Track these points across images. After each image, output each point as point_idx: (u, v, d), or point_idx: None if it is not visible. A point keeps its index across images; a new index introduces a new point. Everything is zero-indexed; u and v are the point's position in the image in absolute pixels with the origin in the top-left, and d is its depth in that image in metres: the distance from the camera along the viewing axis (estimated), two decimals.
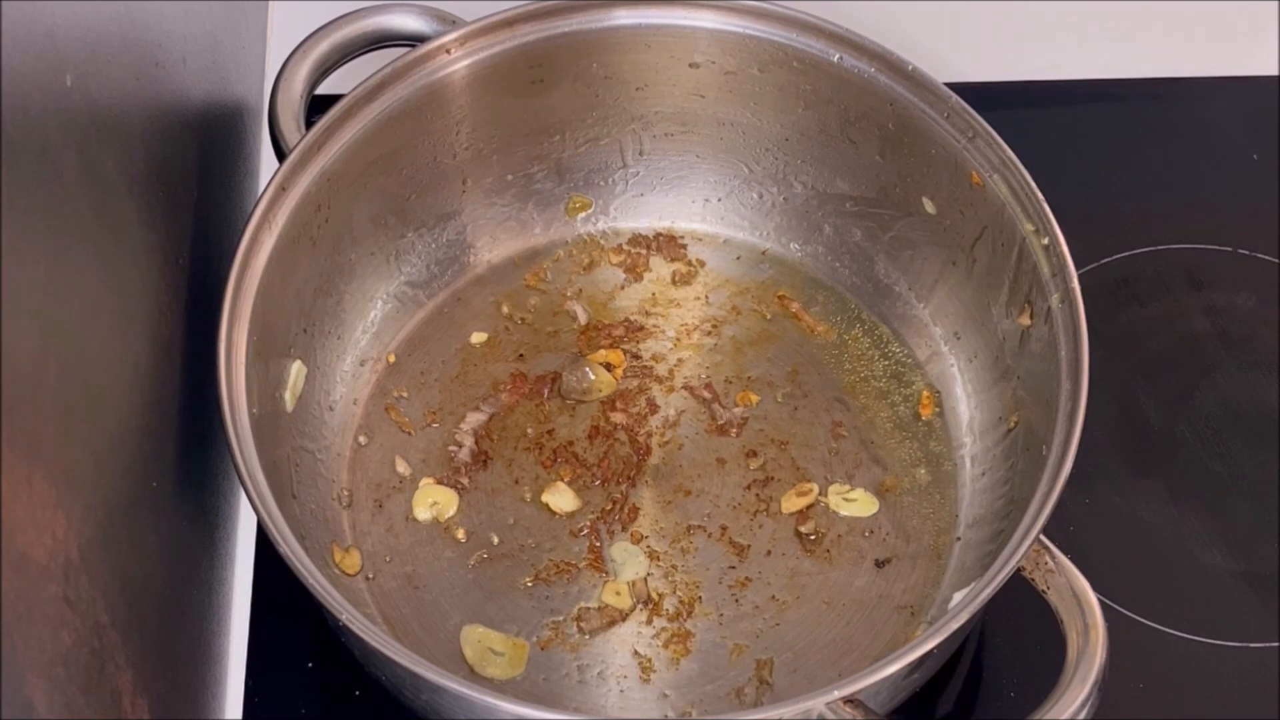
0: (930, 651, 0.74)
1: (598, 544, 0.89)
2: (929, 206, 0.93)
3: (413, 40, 0.91)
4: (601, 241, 1.00)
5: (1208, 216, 1.04)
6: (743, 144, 0.98)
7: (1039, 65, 1.10)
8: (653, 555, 0.89)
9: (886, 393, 0.94)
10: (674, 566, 0.89)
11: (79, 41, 0.68)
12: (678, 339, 0.96)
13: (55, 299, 0.64)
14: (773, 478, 0.91)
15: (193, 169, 0.89)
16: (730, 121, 0.97)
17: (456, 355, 0.96)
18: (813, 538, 0.89)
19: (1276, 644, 0.89)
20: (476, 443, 0.92)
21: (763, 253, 0.99)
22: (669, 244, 1.00)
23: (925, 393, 0.94)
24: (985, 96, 0.91)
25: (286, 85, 0.89)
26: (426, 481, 0.91)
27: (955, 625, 0.74)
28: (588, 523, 0.90)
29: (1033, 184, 0.85)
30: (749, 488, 0.91)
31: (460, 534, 0.89)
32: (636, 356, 0.96)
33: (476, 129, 0.95)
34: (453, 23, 0.91)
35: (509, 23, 0.92)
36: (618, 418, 0.93)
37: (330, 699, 0.87)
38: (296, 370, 0.89)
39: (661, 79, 0.96)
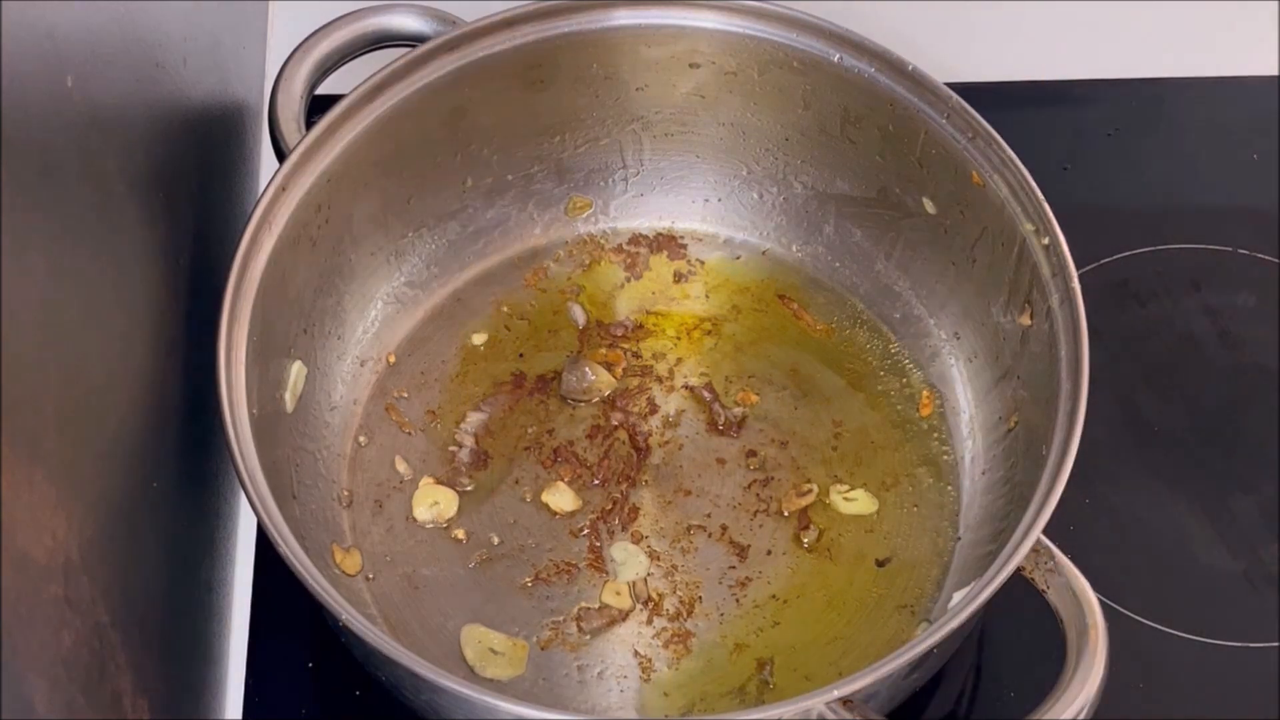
0: (930, 651, 0.74)
1: (598, 544, 0.89)
2: (929, 206, 0.93)
3: (413, 40, 0.91)
4: (601, 241, 1.00)
5: (1208, 216, 1.04)
6: (743, 144, 0.98)
7: (1039, 65, 1.10)
8: (653, 555, 0.89)
9: (887, 392, 0.94)
10: (674, 566, 0.89)
11: (79, 42, 0.68)
12: (678, 338, 0.96)
13: (55, 299, 0.64)
14: (773, 477, 0.91)
15: (193, 169, 0.89)
16: (730, 121, 0.97)
17: (456, 355, 0.96)
18: (813, 537, 0.89)
19: (1276, 644, 0.89)
20: (476, 443, 0.92)
21: (763, 253, 0.99)
22: (669, 244, 1.00)
23: (925, 392, 0.94)
24: (985, 96, 0.91)
25: (286, 85, 0.89)
26: (426, 481, 0.91)
27: (955, 625, 0.74)
28: (588, 523, 0.90)
29: (1033, 184, 0.85)
30: (749, 487, 0.91)
31: (460, 534, 0.89)
32: (636, 356, 0.96)
33: (476, 129, 0.95)
34: (453, 23, 0.91)
35: (509, 23, 0.92)
36: (617, 417, 0.93)
37: (330, 699, 0.87)
38: (296, 370, 0.89)
39: (661, 79, 0.96)
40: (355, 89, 0.89)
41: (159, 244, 0.81)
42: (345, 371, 0.93)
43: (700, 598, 0.88)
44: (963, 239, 0.91)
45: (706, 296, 0.98)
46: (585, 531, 0.89)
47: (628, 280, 0.99)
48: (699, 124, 0.98)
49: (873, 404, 0.94)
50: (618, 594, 0.87)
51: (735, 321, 0.97)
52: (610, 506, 0.90)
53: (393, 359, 0.95)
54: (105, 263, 0.72)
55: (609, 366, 0.95)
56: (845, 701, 0.72)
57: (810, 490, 0.90)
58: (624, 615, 0.87)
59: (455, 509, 0.90)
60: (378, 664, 0.79)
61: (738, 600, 0.87)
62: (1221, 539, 0.92)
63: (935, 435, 0.93)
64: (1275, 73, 1.10)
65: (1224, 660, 0.88)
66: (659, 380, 0.95)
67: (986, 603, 0.75)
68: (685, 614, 0.87)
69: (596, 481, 0.91)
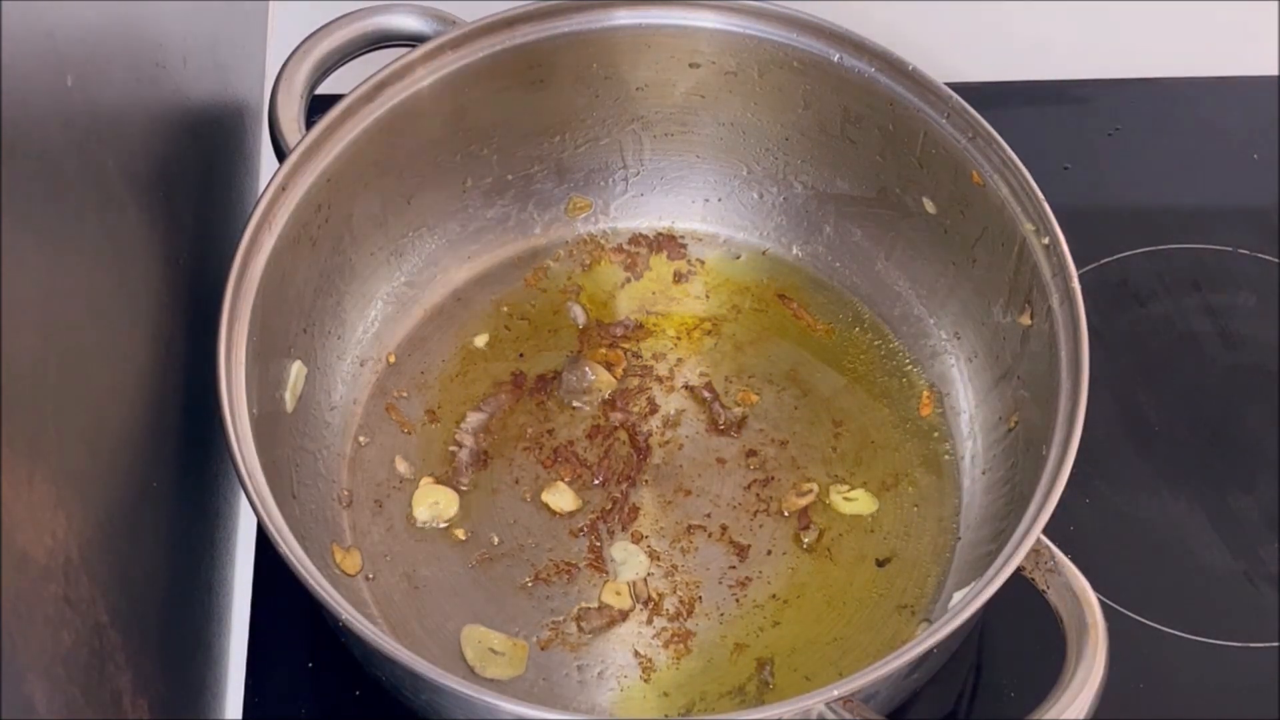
0: (930, 651, 0.74)
1: (598, 544, 0.89)
2: (929, 206, 0.93)
3: (413, 40, 0.91)
4: (601, 241, 1.00)
5: (1208, 216, 1.04)
6: (743, 144, 0.98)
7: (1039, 65, 1.10)
8: (653, 555, 0.89)
9: (887, 392, 0.94)
10: (674, 566, 0.89)
11: (79, 42, 0.68)
12: (678, 338, 0.96)
13: (55, 299, 0.64)
14: (773, 477, 0.91)
15: (193, 169, 0.89)
16: (730, 121, 0.97)
17: (456, 355, 0.96)
18: (813, 537, 0.89)
19: (1276, 644, 0.89)
20: (476, 443, 0.92)
21: (763, 253, 0.99)
22: (669, 244, 1.00)
23: (926, 392, 0.94)
24: (985, 96, 0.91)
25: (286, 85, 0.89)
26: (426, 481, 0.91)
27: (955, 625, 0.74)
28: (588, 522, 0.90)
29: (1033, 184, 0.85)
30: (749, 487, 0.91)
31: (460, 534, 0.89)
32: (636, 356, 0.96)
33: (476, 129, 0.95)
34: (453, 23, 0.91)
35: (509, 23, 0.92)
36: (617, 417, 0.93)
37: (330, 699, 0.87)
38: (296, 370, 0.89)
39: (661, 79, 0.96)
40: (355, 89, 0.89)
41: (159, 244, 0.81)
42: (345, 371, 0.93)
43: (700, 598, 0.88)
44: (963, 239, 0.91)
45: (706, 296, 0.98)
46: (585, 531, 0.90)
47: (628, 280, 0.99)
48: (699, 124, 0.98)
49: (873, 403, 0.94)
50: (618, 594, 0.87)
51: (735, 321, 0.97)
52: (610, 506, 0.90)
53: (393, 359, 0.95)
54: (105, 263, 0.72)
55: (609, 366, 0.95)
56: (845, 701, 0.72)
57: (810, 490, 0.90)
58: (624, 615, 0.87)
59: (455, 509, 0.90)
60: (378, 664, 0.79)
61: (738, 600, 0.87)
62: (1221, 539, 0.92)
63: (935, 435, 0.93)
64: (1275, 73, 1.10)
65: (1224, 660, 0.88)
66: (659, 380, 0.95)
67: (986, 603, 0.75)
68: (685, 614, 0.87)
69: (596, 481, 0.91)
